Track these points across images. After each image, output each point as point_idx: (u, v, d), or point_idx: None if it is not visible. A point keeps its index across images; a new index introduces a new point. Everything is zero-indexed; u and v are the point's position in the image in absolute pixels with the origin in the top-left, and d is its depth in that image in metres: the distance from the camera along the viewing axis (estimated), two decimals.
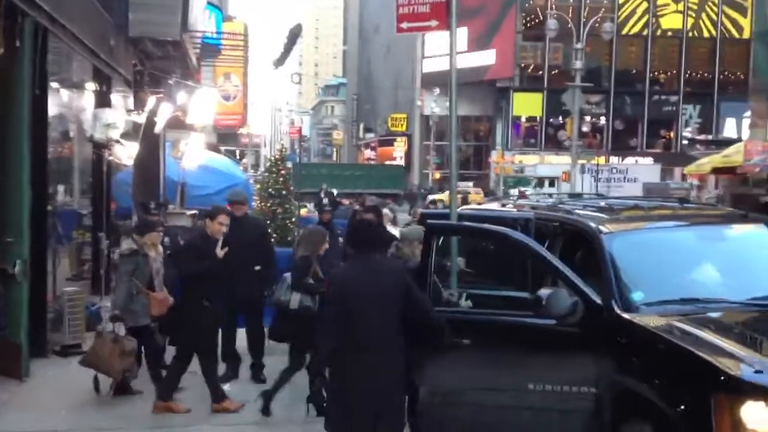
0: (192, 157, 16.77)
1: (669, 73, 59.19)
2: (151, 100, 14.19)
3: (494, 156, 55.09)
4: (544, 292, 5.15)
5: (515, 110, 57.65)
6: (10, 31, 7.89)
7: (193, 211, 15.99)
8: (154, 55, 14.82)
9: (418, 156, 65.27)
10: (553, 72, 55.91)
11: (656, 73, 58.87)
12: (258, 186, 15.61)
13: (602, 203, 6.87)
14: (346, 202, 25.77)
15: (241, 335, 8.68)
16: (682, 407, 4.29)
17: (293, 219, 14.32)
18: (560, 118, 54.04)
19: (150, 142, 14.62)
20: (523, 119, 58.90)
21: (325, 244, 7.44)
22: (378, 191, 41.37)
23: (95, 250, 12.19)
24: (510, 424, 5.33)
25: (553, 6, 53.57)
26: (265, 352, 8.85)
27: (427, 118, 59.87)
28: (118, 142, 11.93)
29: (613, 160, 55.19)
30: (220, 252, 7.31)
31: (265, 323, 8.85)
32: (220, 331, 8.36)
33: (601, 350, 4.97)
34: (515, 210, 7.01)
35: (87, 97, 11.77)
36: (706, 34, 58.28)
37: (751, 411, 4.02)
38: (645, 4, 57.22)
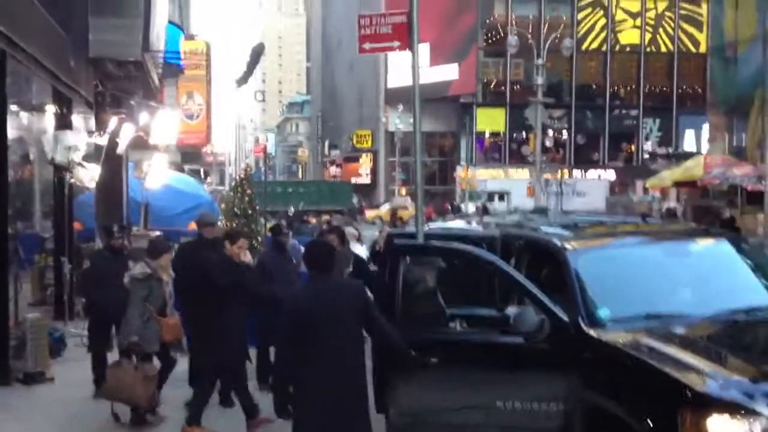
0: (155, 178, 16.63)
1: (628, 88, 60.19)
2: (112, 121, 14.05)
3: (459, 171, 55.43)
4: (511, 310, 5.20)
5: (479, 126, 58.18)
6: None
7: (158, 233, 15.82)
8: (115, 76, 14.68)
9: (384, 172, 65.41)
10: (515, 87, 56.53)
11: (616, 88, 59.83)
12: (223, 205, 15.52)
13: (567, 220, 6.93)
14: (313, 220, 25.72)
15: None
16: (650, 422, 4.32)
17: (259, 239, 14.25)
18: (523, 133, 54.63)
19: (112, 163, 14.46)
20: (487, 134, 59.40)
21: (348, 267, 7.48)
22: (325, 208, 41.26)
23: (58, 274, 11.98)
24: None
25: (514, 23, 54.25)
26: None
27: (392, 135, 60.08)
28: (79, 164, 11.77)
29: (576, 173, 55.95)
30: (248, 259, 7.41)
31: None
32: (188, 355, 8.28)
33: (568, 367, 4.99)
34: (481, 228, 7.04)
35: (47, 119, 11.61)
36: (663, 49, 59.45)
37: (716, 425, 4.06)
38: (603, 21, 58.24)
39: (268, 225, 16.30)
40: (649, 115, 59.35)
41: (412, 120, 7.03)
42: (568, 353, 5.01)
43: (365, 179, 69.31)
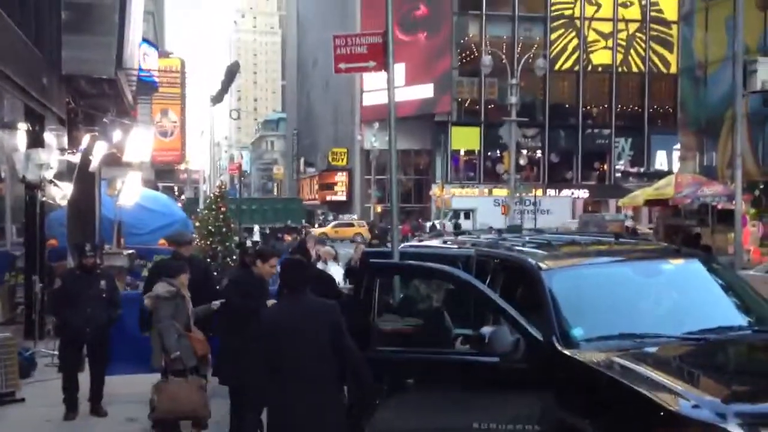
0: (128, 195, 16.48)
1: (601, 107, 60.98)
2: (85, 139, 13.93)
3: (434, 189, 55.63)
4: (486, 329, 5.19)
5: (454, 144, 58.53)
6: None
7: (131, 251, 15.68)
8: (88, 93, 14.58)
9: (359, 190, 65.48)
10: (489, 106, 56.98)
11: (588, 107, 60.58)
12: (198, 223, 15.42)
13: (541, 239, 6.96)
14: (288, 238, 25.64)
15: None
16: None
17: (234, 256, 14.17)
18: (498, 152, 55.02)
19: (85, 181, 14.32)
20: (462, 153, 59.74)
21: None
22: (278, 225, 41.11)
23: (28, 293, 11.81)
24: None
25: (488, 42, 54.81)
26: (210, 395, 8.68)
27: (368, 153, 60.21)
28: (51, 182, 11.63)
29: (550, 192, 56.45)
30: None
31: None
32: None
33: (543, 387, 5.00)
34: (456, 247, 7.06)
35: (19, 137, 11.49)
36: (635, 70, 60.37)
37: None
38: (576, 41, 59.02)
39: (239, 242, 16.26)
40: (621, 135, 60.12)
41: (387, 138, 7.06)
42: (543, 373, 5.01)
43: (341, 197, 69.34)
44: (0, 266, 12.43)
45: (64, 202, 13.04)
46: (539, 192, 40.61)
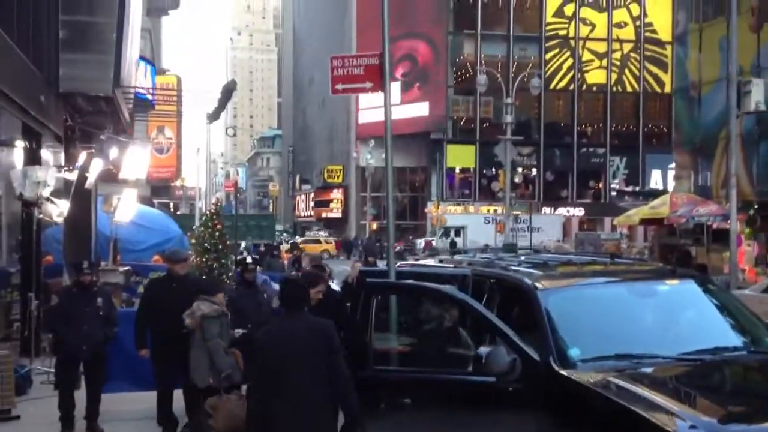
0: (124, 212, 16.49)
1: (595, 126, 61.27)
2: (82, 156, 13.95)
3: (430, 207, 55.73)
4: (483, 349, 5.20)
5: (449, 162, 58.71)
6: None
7: (126, 268, 15.67)
8: (85, 111, 14.62)
9: (355, 207, 65.55)
10: (484, 125, 57.22)
11: (583, 126, 60.86)
12: (194, 240, 15.40)
13: (537, 259, 7.00)
14: (285, 255, 25.57)
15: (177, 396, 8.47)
16: None
17: (230, 274, 14.16)
18: (493, 170, 55.18)
19: (81, 198, 14.32)
20: (457, 170, 59.90)
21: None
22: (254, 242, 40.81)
23: (24, 310, 11.77)
24: None
25: (483, 61, 55.10)
26: None
27: (363, 170, 60.33)
28: (48, 199, 11.64)
29: (545, 210, 56.58)
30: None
31: None
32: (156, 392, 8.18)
33: (540, 407, 5.01)
34: (452, 266, 7.09)
35: (16, 154, 11.51)
36: (629, 89, 60.73)
37: None
38: (570, 61, 59.40)
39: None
40: (616, 154, 60.37)
41: (383, 155, 7.10)
42: (539, 393, 5.03)
43: (336, 213, 69.39)
44: None
45: (60, 220, 13.05)
46: (526, 211, 40.65)
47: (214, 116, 21.89)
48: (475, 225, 48.75)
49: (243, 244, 36.24)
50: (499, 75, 44.69)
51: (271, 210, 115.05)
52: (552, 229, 48.11)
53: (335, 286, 11.46)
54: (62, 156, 13.90)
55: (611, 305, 5.77)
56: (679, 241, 27.12)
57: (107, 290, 9.64)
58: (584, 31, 59.73)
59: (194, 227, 19.09)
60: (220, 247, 14.23)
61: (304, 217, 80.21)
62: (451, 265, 7.24)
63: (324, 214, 71.24)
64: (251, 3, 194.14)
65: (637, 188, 53.81)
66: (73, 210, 13.30)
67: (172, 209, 49.82)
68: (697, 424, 4.29)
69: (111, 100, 14.10)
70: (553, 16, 59.51)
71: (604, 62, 60.07)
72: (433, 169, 59.10)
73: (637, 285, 6.12)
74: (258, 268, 11.96)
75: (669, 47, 54.46)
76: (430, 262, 8.35)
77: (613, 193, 56.49)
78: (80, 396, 8.53)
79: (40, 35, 12.45)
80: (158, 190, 46.78)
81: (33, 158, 11.78)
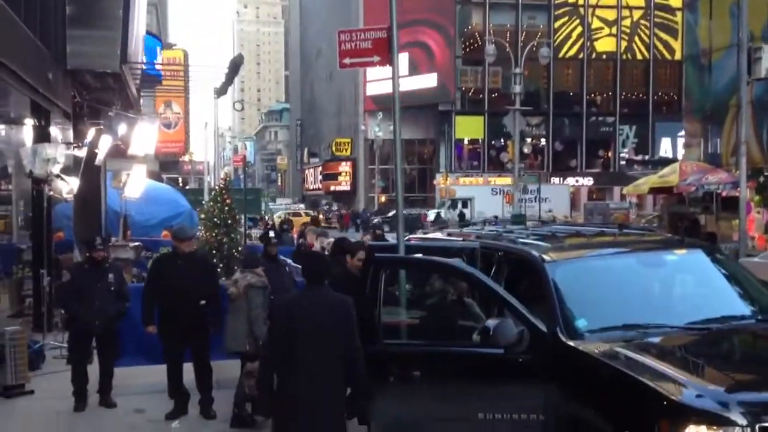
0: (134, 188, 16.56)
1: (605, 95, 60.80)
2: (90, 132, 13.97)
3: (438, 178, 55.65)
4: (491, 322, 5.23)
5: (458, 133, 58.48)
6: None
7: (137, 243, 15.76)
8: (93, 87, 14.61)
9: (363, 180, 65.52)
10: (493, 95, 56.90)
11: (593, 95, 60.42)
12: (203, 215, 15.45)
13: (545, 231, 7.01)
14: (296, 230, 25.56)
15: (188, 369, 8.57)
16: None
17: (239, 248, 14.20)
18: (502, 141, 54.97)
19: (91, 174, 14.38)
20: (466, 142, 59.69)
21: None
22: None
23: (36, 286, 11.90)
24: None
25: (491, 31, 54.66)
26: (217, 386, 8.77)
27: (371, 142, 60.20)
28: (58, 176, 11.70)
29: (554, 180, 56.40)
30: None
31: (212, 357, 8.82)
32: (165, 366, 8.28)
33: (548, 378, 5.05)
34: (461, 239, 7.11)
35: (25, 132, 11.54)
36: (639, 57, 60.15)
37: None
38: (580, 29, 58.80)
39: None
40: (626, 122, 59.98)
41: (391, 127, 7.10)
42: (547, 364, 5.07)
43: (345, 186, 69.41)
44: (7, 260, 12.52)
45: (70, 197, 13.12)
46: (534, 182, 40.35)
47: (221, 90, 21.79)
48: (484, 196, 48.64)
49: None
50: (507, 44, 44.34)
51: (279, 184, 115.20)
52: (559, 199, 47.95)
53: None
54: (71, 133, 13.94)
55: (619, 276, 5.79)
56: (689, 209, 27.02)
57: (118, 266, 9.74)
58: None
59: (203, 202, 19.12)
60: (229, 221, 14.25)
61: (313, 190, 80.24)
62: (460, 239, 7.26)
63: (332, 187, 71.29)
64: None
65: (647, 157, 53.49)
66: (82, 186, 13.36)
67: (180, 184, 49.93)
68: (704, 393, 4.32)
69: (119, 77, 14.08)
70: None
71: (614, 30, 59.46)
72: (442, 141, 58.92)
73: (644, 255, 6.13)
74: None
75: (679, 14, 53.86)
76: (439, 235, 8.35)
77: (623, 162, 56.20)
78: (93, 370, 8.65)
79: (47, 12, 12.42)
80: (167, 165, 46.87)
81: (42, 135, 11.81)
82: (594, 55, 59.51)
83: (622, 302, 5.56)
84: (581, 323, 5.23)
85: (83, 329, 8.50)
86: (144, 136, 15.98)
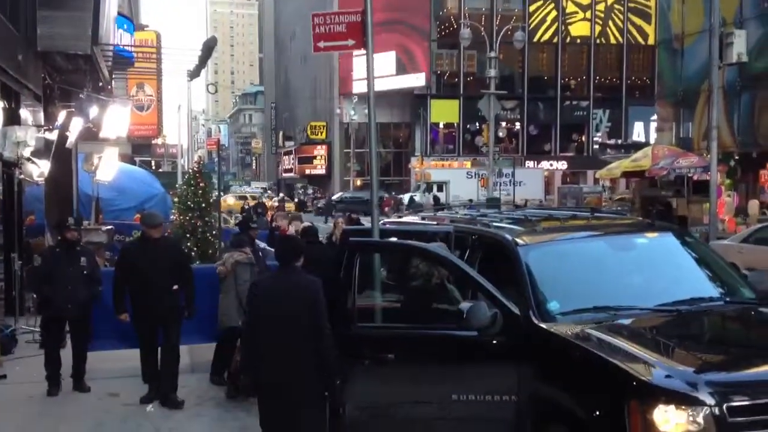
0: (106, 171, 16.40)
1: (579, 79, 61.10)
2: (62, 115, 13.79)
3: (414, 162, 55.67)
4: (464, 305, 5.28)
5: (433, 117, 58.49)
6: None
7: (109, 227, 15.64)
8: (64, 69, 14.40)
9: (339, 164, 65.37)
10: (468, 79, 56.91)
11: (567, 80, 60.69)
12: (176, 199, 15.34)
13: (519, 215, 7.06)
14: (270, 213, 25.48)
15: None
16: (598, 413, 4.46)
17: (214, 232, 14.14)
18: (477, 124, 55.07)
19: (62, 157, 14.20)
20: (441, 126, 59.72)
21: None
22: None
23: (8, 270, 11.77)
24: None
25: (467, 15, 54.57)
26: (192, 370, 8.77)
27: (347, 126, 60.02)
28: (29, 159, 11.55)
29: (529, 164, 56.67)
30: None
31: (188, 341, 8.80)
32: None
33: (520, 359, 5.11)
34: (435, 223, 7.14)
35: None
36: (613, 41, 60.45)
37: (662, 414, 4.21)
38: (554, 13, 58.93)
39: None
40: (599, 107, 60.36)
41: (366, 111, 7.09)
42: (520, 346, 5.12)
43: (320, 170, 69.22)
44: None
45: (41, 180, 12.97)
46: (508, 165, 40.52)
47: (194, 73, 21.62)
48: (459, 180, 48.78)
49: None
50: (482, 28, 44.32)
51: (254, 167, 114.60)
52: (534, 183, 48.24)
53: None
54: (42, 115, 13.74)
55: (590, 259, 5.85)
56: (660, 193, 27.35)
57: (90, 250, 9.66)
58: None
59: (177, 186, 19.00)
60: (203, 205, 14.18)
61: (288, 173, 79.93)
62: (434, 222, 7.29)
63: (308, 171, 71.07)
64: None
65: (620, 141, 53.95)
66: (53, 170, 13.20)
67: (153, 167, 49.49)
68: (673, 374, 4.39)
69: (90, 58, 13.89)
70: None
71: (588, 14, 59.65)
72: (417, 125, 58.89)
73: (615, 239, 6.20)
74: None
75: None
76: (414, 219, 8.38)
77: (596, 146, 56.60)
78: (66, 355, 8.60)
79: None
80: (139, 148, 46.40)
81: (12, 118, 11.64)
82: (568, 40, 59.70)
83: (593, 285, 5.63)
84: (553, 306, 5.29)
85: (56, 313, 8.44)
86: (116, 119, 15.79)
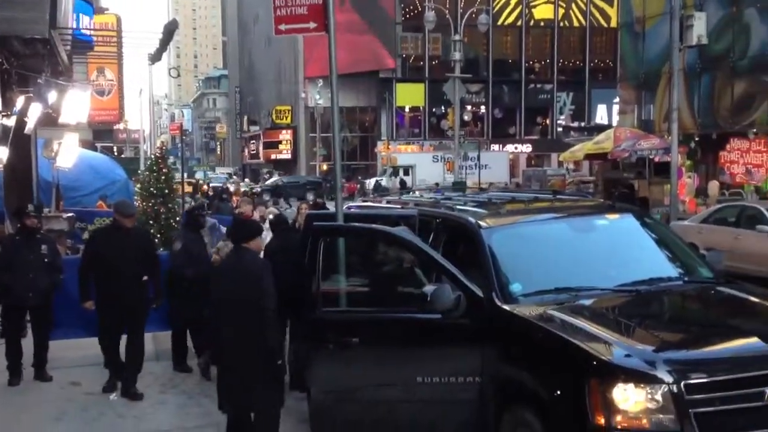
0: (66, 157, 16.15)
1: (543, 62, 61.43)
2: (20, 101, 13.51)
3: (380, 146, 55.62)
4: (428, 288, 5.31)
5: (398, 101, 58.43)
6: None
7: (70, 214, 15.41)
8: (21, 54, 14.09)
9: (305, 148, 65.07)
10: (433, 62, 56.92)
11: (531, 63, 60.97)
12: (139, 186, 15.16)
13: (482, 197, 7.10)
14: (236, 199, 25.32)
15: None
16: (559, 392, 4.53)
17: (177, 218, 14.02)
18: (442, 108, 55.14)
19: (21, 143, 13.94)
20: (407, 109, 59.70)
21: None
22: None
23: None
24: (400, 417, 5.47)
25: None
26: (156, 357, 8.71)
27: (312, 110, 59.72)
28: None
29: (494, 147, 56.93)
30: None
31: (153, 329, 8.77)
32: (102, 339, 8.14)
33: (484, 341, 5.16)
34: (399, 207, 7.15)
35: None
36: (576, 24, 60.82)
37: (621, 392, 4.29)
38: None
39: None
40: (563, 89, 60.78)
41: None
42: (483, 328, 5.17)
43: (286, 155, 68.83)
44: None
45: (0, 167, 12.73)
46: (474, 149, 40.66)
47: (155, 57, 21.32)
48: (425, 164, 48.85)
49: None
50: (447, 11, 44.29)
51: (218, 152, 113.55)
52: (499, 166, 48.49)
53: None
54: None
55: (552, 241, 5.91)
56: (623, 175, 27.66)
57: (51, 237, 9.53)
58: None
59: (139, 172, 18.78)
60: (166, 191, 14.03)
61: (254, 159, 79.39)
62: (399, 206, 7.30)
63: (273, 156, 70.63)
64: None
65: (583, 124, 54.41)
66: (12, 156, 12.97)
67: (116, 153, 48.80)
68: (632, 353, 4.47)
69: (48, 42, 13.60)
70: None
71: None
72: (383, 108, 58.80)
73: (577, 220, 6.26)
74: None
75: None
76: (379, 203, 8.38)
77: (560, 129, 57.04)
78: (27, 344, 8.49)
79: None
80: (101, 133, 45.67)
81: None
82: (532, 23, 59.93)
83: (555, 266, 5.69)
84: (516, 287, 5.34)
85: (16, 302, 8.32)
86: (76, 104, 15.51)
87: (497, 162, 48.94)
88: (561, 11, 60.14)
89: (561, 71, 60.74)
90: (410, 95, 58.65)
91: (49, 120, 15.91)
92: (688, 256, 6.25)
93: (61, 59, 15.67)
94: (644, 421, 4.27)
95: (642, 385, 4.28)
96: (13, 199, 13.26)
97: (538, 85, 61.09)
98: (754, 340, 4.67)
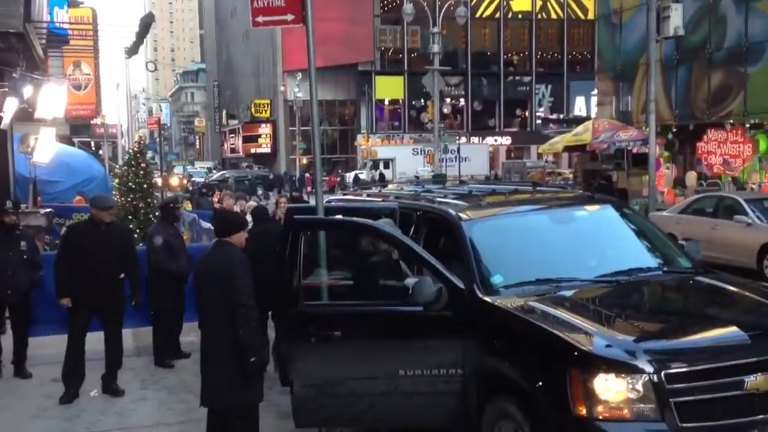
0: (43, 152, 15.98)
1: (521, 55, 61.61)
2: None
3: (360, 139, 55.56)
4: (410, 280, 5.32)
5: (378, 94, 58.40)
6: None
7: (48, 210, 15.26)
8: None
9: (284, 142, 64.85)
10: (412, 55, 56.90)
11: (509, 55, 61.14)
12: (117, 181, 15.03)
13: (463, 190, 7.11)
14: (218, 194, 25.22)
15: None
16: (541, 383, 4.55)
17: (156, 213, 13.93)
18: (422, 101, 55.14)
19: None
20: (387, 102, 59.67)
21: None
22: None
23: None
24: (383, 410, 5.47)
25: None
26: (137, 353, 8.64)
27: (292, 104, 59.52)
28: None
29: (474, 140, 57.10)
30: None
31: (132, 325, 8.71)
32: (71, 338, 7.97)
33: (466, 333, 5.17)
34: (380, 200, 7.14)
35: None
36: (554, 16, 61.05)
37: (603, 382, 4.32)
38: None
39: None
40: (542, 82, 61.03)
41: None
42: (465, 320, 5.18)
43: (265, 149, 68.57)
44: None
45: None
46: (453, 141, 40.78)
47: (132, 51, 21.17)
48: (405, 157, 48.92)
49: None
50: (425, 4, 44.26)
51: (197, 146, 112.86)
52: (479, 158, 48.67)
53: None
54: None
55: (532, 232, 5.94)
56: (601, 166, 27.83)
57: (30, 233, 9.43)
58: None
59: (117, 166, 18.63)
60: (145, 186, 13.93)
61: (233, 153, 79.00)
62: (379, 199, 7.29)
63: (253, 150, 70.35)
64: None
65: (562, 116, 54.66)
66: None
67: (93, 148, 48.38)
68: (613, 343, 4.49)
69: (22, 36, 13.44)
70: None
71: None
72: (362, 101, 58.73)
73: (556, 212, 6.29)
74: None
75: None
76: (359, 196, 8.37)
77: (539, 121, 57.28)
78: (7, 341, 8.41)
79: None
80: (78, 128, 45.25)
81: None
82: (510, 15, 60.06)
83: (535, 258, 5.72)
84: (496, 279, 5.36)
85: None
86: (52, 99, 15.33)
87: (477, 154, 49.21)
88: (539, 3, 60.34)
89: (539, 63, 60.98)
90: (389, 88, 58.63)
91: (25, 115, 15.74)
92: (667, 247, 6.30)
93: (37, 53, 15.50)
94: (625, 410, 4.30)
95: (623, 375, 4.31)
96: None
97: (517, 78, 61.30)
98: (733, 329, 4.71)
